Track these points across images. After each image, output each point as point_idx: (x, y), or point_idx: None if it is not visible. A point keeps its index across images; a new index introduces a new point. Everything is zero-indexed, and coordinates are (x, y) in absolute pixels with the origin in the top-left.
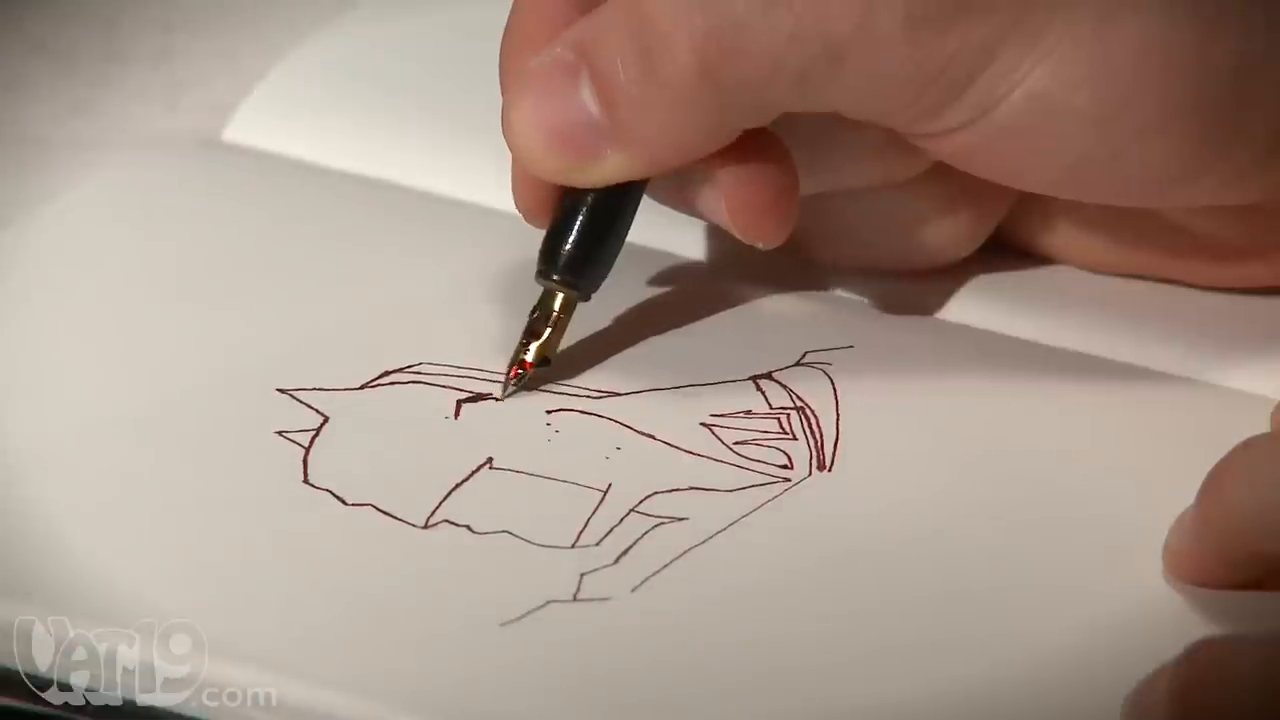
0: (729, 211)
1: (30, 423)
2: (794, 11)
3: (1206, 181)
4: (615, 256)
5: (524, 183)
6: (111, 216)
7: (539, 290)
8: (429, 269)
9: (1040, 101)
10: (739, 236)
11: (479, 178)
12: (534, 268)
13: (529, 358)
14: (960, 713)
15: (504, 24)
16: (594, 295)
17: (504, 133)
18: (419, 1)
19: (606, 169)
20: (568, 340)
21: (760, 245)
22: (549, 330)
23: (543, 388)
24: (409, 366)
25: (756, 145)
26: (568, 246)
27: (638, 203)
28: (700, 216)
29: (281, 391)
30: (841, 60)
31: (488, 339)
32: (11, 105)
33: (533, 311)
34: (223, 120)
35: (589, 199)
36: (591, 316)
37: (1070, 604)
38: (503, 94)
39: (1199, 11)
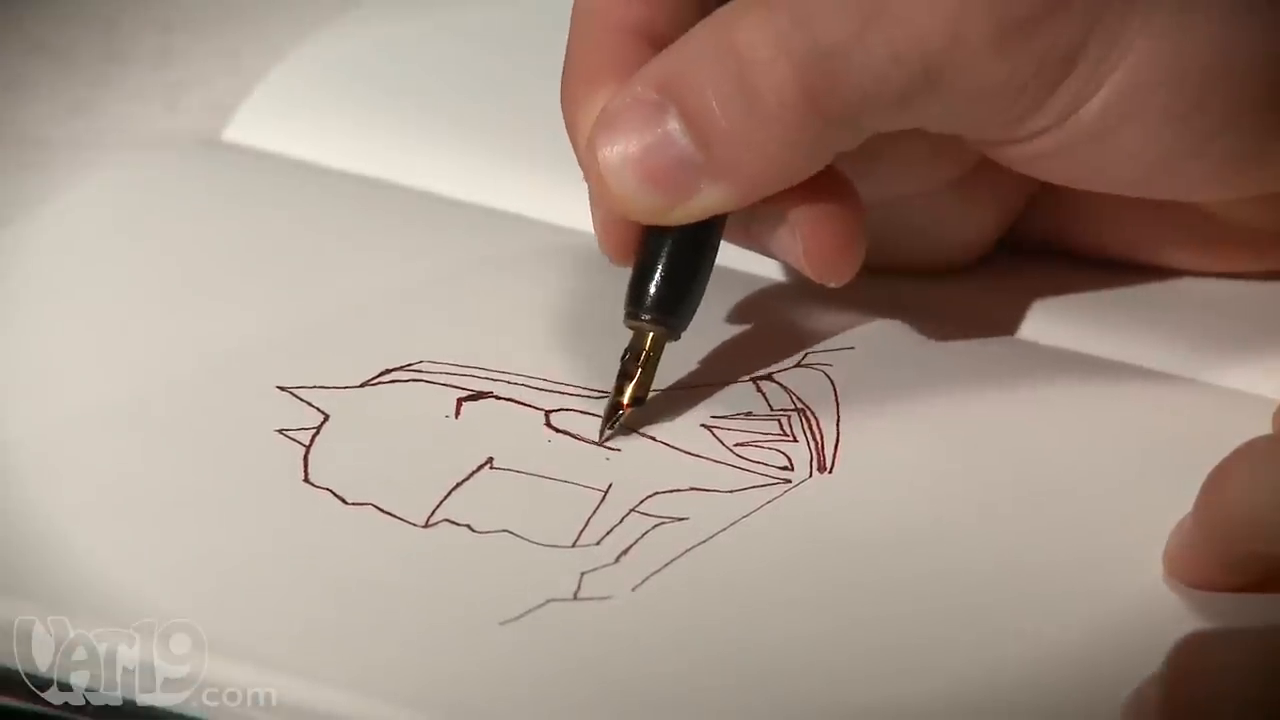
0: (806, 254)
1: (31, 423)
2: (886, 32)
3: (1272, 171)
4: (703, 291)
5: (611, 224)
6: (111, 216)
7: (540, 290)
8: (429, 268)
9: (1120, 102)
10: (811, 277)
11: (479, 178)
12: (536, 268)
13: (625, 399)
14: (960, 713)
15: (504, 24)
16: (596, 296)
17: (588, 178)
18: (420, 2)
19: (701, 204)
20: (572, 343)
21: (831, 284)
22: (640, 370)
23: (544, 389)
24: (409, 365)
25: (826, 183)
26: (655, 285)
27: (720, 235)
28: (770, 255)
29: (282, 390)
30: (939, 77)
31: (488, 337)
32: (11, 105)
33: (624, 354)
34: (223, 120)
35: (674, 235)
36: (593, 318)
37: (1070, 604)
38: (570, 134)
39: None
